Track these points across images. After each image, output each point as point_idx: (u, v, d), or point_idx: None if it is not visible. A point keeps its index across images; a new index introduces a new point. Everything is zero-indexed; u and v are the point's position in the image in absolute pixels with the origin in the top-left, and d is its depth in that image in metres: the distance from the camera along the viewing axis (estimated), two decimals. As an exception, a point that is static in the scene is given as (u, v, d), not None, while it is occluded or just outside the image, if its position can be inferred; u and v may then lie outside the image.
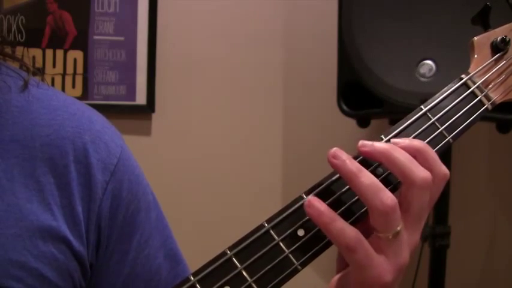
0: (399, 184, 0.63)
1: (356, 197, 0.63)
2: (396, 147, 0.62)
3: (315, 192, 0.63)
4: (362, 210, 0.63)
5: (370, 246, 0.60)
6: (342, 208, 0.63)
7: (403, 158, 0.61)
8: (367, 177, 0.60)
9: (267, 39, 1.90)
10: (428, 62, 1.47)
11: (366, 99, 1.53)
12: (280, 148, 1.92)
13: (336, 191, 0.63)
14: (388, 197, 0.59)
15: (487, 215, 1.97)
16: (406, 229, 0.61)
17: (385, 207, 0.59)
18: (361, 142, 0.63)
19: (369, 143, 0.63)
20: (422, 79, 1.47)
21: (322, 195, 0.62)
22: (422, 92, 1.41)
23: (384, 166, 0.63)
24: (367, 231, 0.62)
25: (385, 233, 0.60)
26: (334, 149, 0.61)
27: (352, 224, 0.62)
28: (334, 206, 0.62)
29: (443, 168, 0.64)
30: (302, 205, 0.62)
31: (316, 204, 0.60)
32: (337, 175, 0.63)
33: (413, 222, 0.62)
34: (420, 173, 0.61)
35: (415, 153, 0.63)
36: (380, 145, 0.62)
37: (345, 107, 1.59)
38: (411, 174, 0.61)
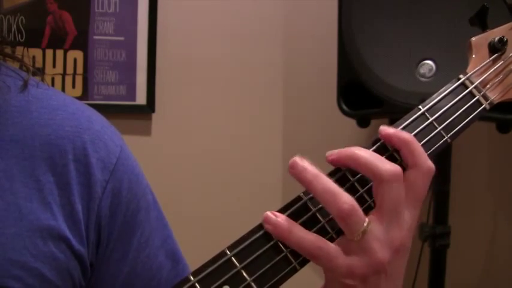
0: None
1: None
2: (360, 148, 0.63)
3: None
4: None
5: (333, 249, 0.60)
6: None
7: (368, 155, 0.62)
8: (321, 183, 0.60)
9: (267, 39, 1.91)
10: (428, 62, 1.47)
11: (366, 99, 1.53)
12: (280, 148, 1.93)
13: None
14: (344, 201, 0.59)
15: (487, 215, 1.97)
16: (381, 225, 0.61)
17: (341, 212, 0.59)
18: (328, 152, 0.63)
19: (335, 151, 0.63)
20: (422, 79, 1.47)
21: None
22: (422, 92, 1.41)
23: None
24: None
25: (350, 235, 0.60)
26: (293, 159, 0.62)
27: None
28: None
29: (429, 163, 0.64)
30: (301, 205, 0.63)
31: (272, 219, 0.61)
32: None
33: (388, 218, 0.61)
34: (386, 166, 0.61)
35: (400, 144, 0.63)
36: (345, 150, 0.63)
37: (345, 107, 1.59)
38: (377, 169, 0.61)
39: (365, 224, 0.60)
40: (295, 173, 0.61)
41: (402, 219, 0.62)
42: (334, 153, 0.63)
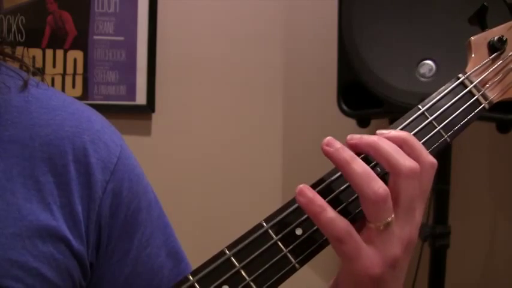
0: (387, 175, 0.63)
1: (353, 197, 0.63)
2: (383, 138, 0.63)
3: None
4: (358, 210, 0.63)
5: (359, 238, 0.61)
6: (339, 207, 0.63)
7: (389, 147, 0.62)
8: (359, 165, 0.60)
9: (267, 39, 1.91)
10: (428, 62, 1.47)
11: (366, 99, 1.53)
12: (280, 148, 1.93)
13: (335, 190, 0.63)
14: (379, 186, 0.59)
15: (487, 215, 1.97)
16: (397, 221, 0.61)
17: (377, 197, 0.59)
18: (349, 136, 0.63)
19: (357, 135, 0.63)
20: (422, 79, 1.47)
21: (320, 194, 0.62)
22: (422, 92, 1.40)
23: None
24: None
25: (376, 222, 0.60)
26: (328, 137, 0.62)
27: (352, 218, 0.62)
28: (331, 205, 0.62)
29: (430, 158, 0.64)
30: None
31: (307, 192, 0.60)
32: (336, 175, 0.64)
33: (403, 214, 0.62)
34: (406, 162, 0.61)
35: (400, 143, 0.63)
36: (367, 137, 0.63)
37: (345, 107, 1.59)
38: (397, 163, 0.61)
39: (390, 217, 0.60)
40: (330, 151, 0.61)
41: (414, 216, 0.62)
42: (355, 137, 0.63)
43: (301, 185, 0.61)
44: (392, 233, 0.61)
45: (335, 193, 0.63)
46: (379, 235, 0.61)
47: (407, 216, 0.62)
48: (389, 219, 0.60)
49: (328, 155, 0.61)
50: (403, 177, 0.61)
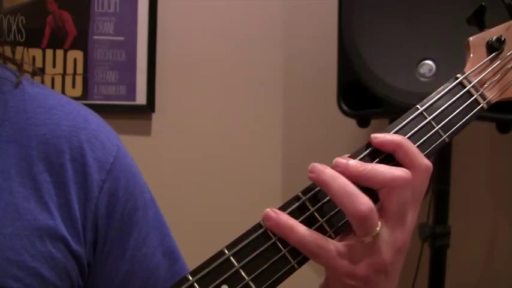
0: None
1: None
2: (350, 166, 0.62)
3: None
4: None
5: (332, 248, 0.61)
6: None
7: (372, 167, 0.62)
8: (339, 184, 0.60)
9: (267, 39, 1.91)
10: (428, 62, 1.47)
11: (366, 99, 1.53)
12: (280, 148, 1.93)
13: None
14: (361, 203, 0.59)
15: (487, 215, 1.97)
16: (388, 228, 0.61)
17: (359, 214, 0.59)
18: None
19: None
20: (422, 79, 1.47)
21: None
22: (422, 92, 1.39)
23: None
24: None
25: (363, 237, 0.61)
26: (312, 164, 0.62)
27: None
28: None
29: (425, 161, 0.64)
30: (300, 205, 0.63)
31: (271, 215, 0.62)
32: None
33: (393, 221, 0.62)
34: (396, 172, 0.61)
35: (394, 148, 0.63)
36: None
37: (345, 107, 1.59)
38: (383, 177, 0.61)
39: (378, 228, 0.61)
40: (313, 177, 0.61)
41: (405, 221, 0.63)
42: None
43: (266, 210, 0.62)
44: (381, 241, 0.61)
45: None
46: (365, 246, 0.61)
47: (398, 222, 0.62)
48: (376, 231, 0.60)
49: (312, 180, 0.62)
50: (391, 188, 0.61)
